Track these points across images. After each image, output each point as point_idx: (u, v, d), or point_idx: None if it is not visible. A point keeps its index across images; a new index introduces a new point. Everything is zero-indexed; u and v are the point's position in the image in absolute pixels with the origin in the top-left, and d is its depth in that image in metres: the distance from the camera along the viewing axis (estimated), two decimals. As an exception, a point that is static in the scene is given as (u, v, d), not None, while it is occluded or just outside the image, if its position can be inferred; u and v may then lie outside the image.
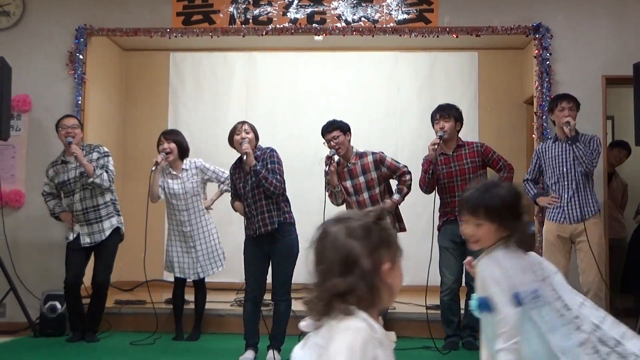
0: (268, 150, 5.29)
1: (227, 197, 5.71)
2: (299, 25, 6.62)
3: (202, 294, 5.98)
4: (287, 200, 5.36)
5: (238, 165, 5.33)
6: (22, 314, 6.14)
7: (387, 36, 6.67)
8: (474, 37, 6.62)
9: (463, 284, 5.65)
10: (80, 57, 6.65)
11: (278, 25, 6.62)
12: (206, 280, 6.02)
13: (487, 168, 5.81)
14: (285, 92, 8.31)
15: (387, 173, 5.79)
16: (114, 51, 8.16)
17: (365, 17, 6.60)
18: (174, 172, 5.86)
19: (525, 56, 7.67)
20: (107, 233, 5.88)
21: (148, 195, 5.83)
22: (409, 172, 5.80)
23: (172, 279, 6.07)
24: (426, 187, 5.63)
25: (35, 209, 6.46)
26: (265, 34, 6.65)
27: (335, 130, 5.69)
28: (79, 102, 6.59)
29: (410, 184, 5.79)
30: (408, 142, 7.94)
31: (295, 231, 5.28)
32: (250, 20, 6.66)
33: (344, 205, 5.83)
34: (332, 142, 5.66)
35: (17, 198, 6.56)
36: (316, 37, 7.37)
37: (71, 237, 5.86)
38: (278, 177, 5.17)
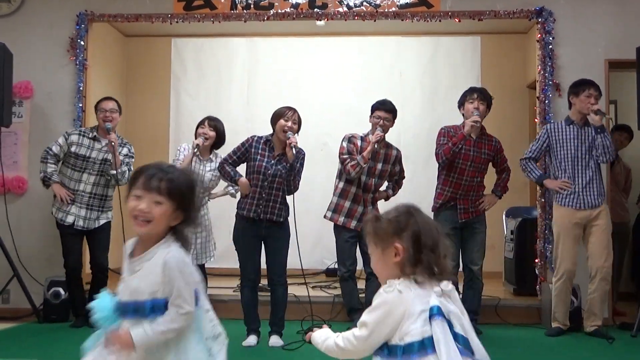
0: (303, 153, 5.36)
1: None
2: (301, 10, 6.60)
3: (203, 279, 5.97)
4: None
5: (266, 145, 5.27)
6: (25, 300, 6.16)
7: (389, 21, 6.64)
8: (477, 22, 6.59)
9: (461, 268, 5.68)
10: (82, 43, 6.63)
11: (279, 11, 6.59)
12: (208, 266, 6.03)
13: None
14: (287, 78, 8.29)
15: (394, 171, 5.87)
16: (116, 37, 8.15)
17: (367, 2, 6.57)
18: (200, 157, 5.80)
19: (527, 40, 7.65)
20: (101, 222, 5.89)
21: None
22: (404, 177, 6.03)
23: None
24: (446, 158, 5.52)
25: (37, 196, 6.46)
26: (267, 19, 6.62)
27: (390, 113, 5.73)
28: (81, 88, 6.57)
29: (399, 190, 6.03)
30: (410, 127, 7.93)
31: (289, 228, 5.34)
32: (252, 6, 6.63)
33: (345, 180, 5.81)
34: (384, 122, 5.68)
35: (19, 185, 6.57)
36: (318, 22, 7.35)
37: (70, 220, 5.82)
38: (299, 179, 5.31)
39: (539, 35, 6.42)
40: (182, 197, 2.22)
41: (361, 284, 5.87)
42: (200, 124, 5.86)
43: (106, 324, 2.19)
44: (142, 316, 2.14)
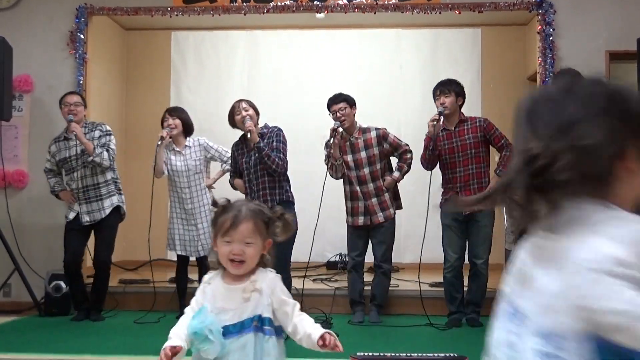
0: (275, 129, 5.35)
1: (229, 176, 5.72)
2: (301, 2, 6.58)
3: (206, 272, 5.98)
4: (288, 180, 5.42)
5: (241, 142, 5.40)
6: (27, 293, 6.17)
7: (389, 13, 6.63)
8: (477, 14, 6.58)
9: (466, 260, 5.68)
10: (81, 36, 6.63)
11: (279, 3, 6.58)
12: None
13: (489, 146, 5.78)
14: (287, 71, 8.29)
15: (388, 149, 5.78)
16: (115, 30, 8.13)
17: (367, -6, 6.55)
18: (177, 149, 5.89)
19: (528, 32, 7.63)
20: (107, 211, 5.87)
21: (154, 171, 5.84)
22: (410, 151, 5.80)
23: (176, 258, 6.09)
24: (427, 164, 5.61)
25: (38, 189, 6.47)
26: (267, 11, 6.61)
27: (342, 102, 5.71)
28: (81, 81, 6.57)
29: (411, 163, 5.79)
30: (411, 120, 7.92)
31: (294, 209, 5.30)
32: (252, -2, 6.62)
33: (342, 180, 5.82)
34: (338, 113, 5.67)
35: (20, 178, 6.57)
36: (318, 15, 7.34)
37: (71, 217, 5.85)
38: (281, 155, 5.24)
39: (540, 27, 6.41)
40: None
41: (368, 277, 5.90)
42: (162, 117, 5.96)
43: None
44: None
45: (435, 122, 5.48)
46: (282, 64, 8.33)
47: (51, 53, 6.66)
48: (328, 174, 5.78)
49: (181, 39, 8.47)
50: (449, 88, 5.60)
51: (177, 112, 5.98)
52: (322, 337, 2.29)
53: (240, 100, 5.41)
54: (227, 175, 6.08)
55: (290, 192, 5.35)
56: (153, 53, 8.50)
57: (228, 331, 2.31)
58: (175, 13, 6.65)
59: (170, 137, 5.85)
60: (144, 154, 7.72)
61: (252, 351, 2.30)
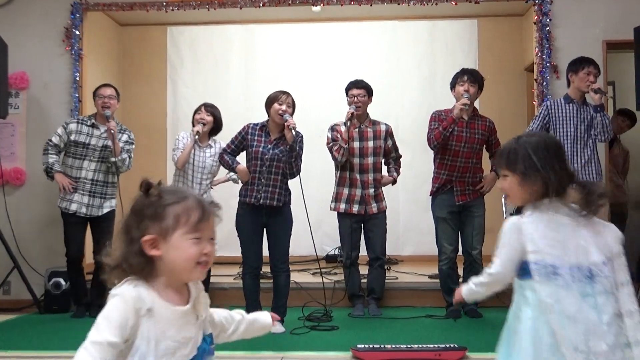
0: (300, 135, 5.35)
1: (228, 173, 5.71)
2: (296, -4, 6.56)
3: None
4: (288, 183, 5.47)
5: (261, 130, 5.30)
6: (26, 291, 6.16)
7: (385, 5, 6.61)
8: (473, 4, 6.55)
9: (460, 252, 5.69)
10: (77, 33, 6.61)
11: (275, -3, 6.56)
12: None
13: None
14: (284, 65, 8.27)
15: (388, 147, 5.83)
16: (111, 26, 8.11)
17: (362, -13, 6.53)
18: (200, 144, 5.86)
19: (525, 23, 7.62)
20: (105, 211, 5.86)
21: (175, 161, 5.78)
22: (401, 157, 5.96)
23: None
24: (437, 143, 5.53)
25: (36, 187, 6.46)
26: (262, 5, 6.59)
27: (362, 88, 5.77)
28: (77, 78, 6.55)
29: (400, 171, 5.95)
30: (408, 112, 7.92)
31: (290, 210, 5.35)
32: (247, -8, 6.60)
33: (341, 167, 5.82)
34: (356, 98, 5.72)
35: (17, 176, 6.56)
36: (314, 8, 7.31)
37: (74, 208, 5.78)
38: (301, 162, 5.31)
39: (536, 17, 6.39)
40: None
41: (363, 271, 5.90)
42: (197, 110, 5.91)
43: None
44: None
45: (466, 107, 5.45)
46: (279, 58, 8.31)
47: (47, 49, 6.64)
48: (332, 157, 5.78)
49: (177, 34, 8.45)
50: (475, 77, 5.60)
51: (212, 108, 5.93)
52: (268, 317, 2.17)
53: (288, 94, 5.30)
54: (229, 182, 6.12)
55: (290, 196, 5.35)
56: (149, 48, 8.48)
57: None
58: (171, 8, 6.63)
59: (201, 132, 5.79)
60: (141, 150, 7.70)
61: None
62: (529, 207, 2.31)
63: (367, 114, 5.86)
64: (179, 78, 8.44)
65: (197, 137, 5.72)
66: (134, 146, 5.98)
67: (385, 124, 5.86)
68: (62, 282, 6.09)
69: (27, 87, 6.63)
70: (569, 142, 5.44)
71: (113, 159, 5.75)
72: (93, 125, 5.85)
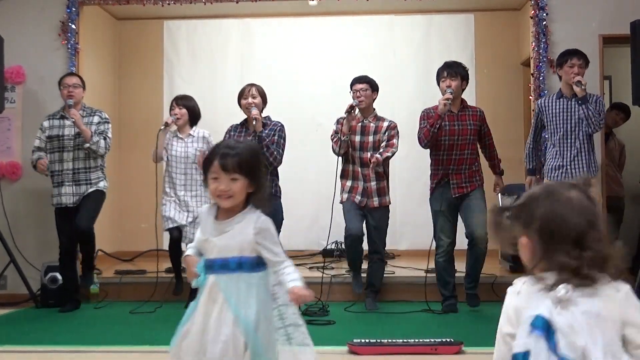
0: (279, 124, 5.52)
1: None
2: (293, -10, 6.56)
3: None
4: (277, 174, 5.58)
5: (241, 126, 5.57)
6: (23, 285, 6.16)
7: (381, -1, 6.61)
8: (470, -1, 6.56)
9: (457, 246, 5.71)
10: (73, 27, 6.58)
11: (271, -9, 6.55)
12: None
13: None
14: (281, 59, 8.26)
15: (385, 138, 5.78)
16: (107, 20, 8.09)
17: (359, -19, 6.52)
18: (181, 136, 5.92)
19: (521, 17, 7.61)
20: (90, 190, 5.86)
21: (155, 157, 5.83)
22: (396, 151, 5.83)
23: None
24: (427, 141, 5.55)
25: (32, 181, 6.44)
26: (259, -1, 6.58)
27: (365, 83, 5.80)
28: (73, 72, 6.53)
29: (394, 153, 5.79)
30: (405, 105, 7.90)
31: (280, 203, 5.42)
32: (244, -14, 6.58)
33: (341, 161, 5.83)
34: (359, 92, 5.75)
35: (14, 170, 6.55)
36: (311, 2, 7.31)
37: (64, 201, 5.80)
38: (280, 150, 5.43)
39: (533, 12, 6.39)
40: (252, 169, 2.55)
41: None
42: (170, 106, 6.00)
43: (199, 283, 2.57)
44: (228, 270, 2.53)
45: (449, 102, 5.47)
46: (276, 52, 8.30)
47: (43, 44, 6.62)
48: (332, 148, 5.80)
49: (173, 28, 8.43)
50: (455, 71, 5.61)
51: (184, 100, 5.99)
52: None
53: (252, 85, 5.55)
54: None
55: (279, 187, 5.40)
56: (145, 43, 8.46)
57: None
58: (167, 2, 6.61)
59: (175, 125, 5.90)
60: (137, 144, 7.71)
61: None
62: None
63: (373, 109, 5.86)
64: (176, 72, 8.42)
65: (162, 127, 5.80)
66: (109, 125, 5.97)
67: (390, 121, 5.83)
68: (58, 276, 6.08)
69: (23, 81, 6.61)
70: (558, 137, 5.44)
71: (87, 145, 5.77)
72: (62, 117, 5.91)
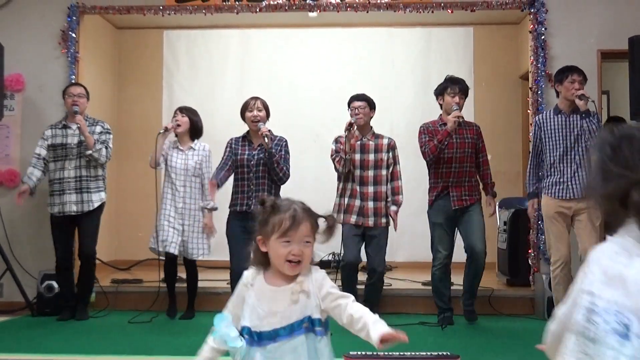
0: (283, 140, 5.57)
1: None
2: (293, 1, 6.57)
3: (193, 273, 5.94)
4: (279, 186, 5.59)
5: (244, 140, 5.57)
6: (19, 293, 6.15)
7: (381, 12, 6.64)
8: (469, 12, 6.59)
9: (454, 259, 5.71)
10: (73, 35, 6.60)
11: (272, 2, 6.57)
12: (203, 259, 6.03)
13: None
14: (280, 70, 8.29)
15: (390, 160, 5.78)
16: (107, 29, 8.11)
17: (359, -7, 6.55)
18: (181, 147, 5.90)
19: (520, 31, 7.64)
20: (96, 205, 5.89)
21: (154, 162, 5.84)
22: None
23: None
24: (433, 156, 5.58)
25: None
26: (259, 10, 6.60)
27: (363, 101, 5.80)
28: (73, 81, 6.53)
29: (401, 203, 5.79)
30: (403, 118, 7.93)
31: None
32: (244, -3, 6.61)
33: (343, 179, 5.81)
34: (357, 110, 5.74)
35: (12, 178, 6.55)
36: (310, 14, 7.33)
37: (63, 209, 5.83)
38: (288, 166, 5.50)
39: (532, 26, 6.42)
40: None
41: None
42: (174, 114, 6.01)
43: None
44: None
45: (460, 119, 5.53)
46: (275, 63, 8.32)
47: (43, 52, 6.64)
48: (334, 168, 5.78)
49: (173, 37, 8.45)
50: (465, 88, 5.72)
51: (187, 111, 6.00)
52: (381, 340, 2.29)
53: (257, 99, 5.55)
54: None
55: (279, 197, 5.38)
56: (145, 52, 8.48)
57: (278, 334, 2.30)
58: (168, 12, 6.64)
59: (175, 135, 5.90)
60: (136, 153, 7.71)
61: (306, 352, 2.31)
62: None
63: (371, 127, 5.84)
64: (175, 82, 8.44)
65: (161, 131, 5.82)
66: (110, 136, 6.01)
67: (389, 138, 5.83)
68: (55, 285, 6.07)
69: (22, 89, 6.62)
70: (558, 153, 5.41)
71: (88, 152, 5.80)
72: (65, 127, 5.95)
